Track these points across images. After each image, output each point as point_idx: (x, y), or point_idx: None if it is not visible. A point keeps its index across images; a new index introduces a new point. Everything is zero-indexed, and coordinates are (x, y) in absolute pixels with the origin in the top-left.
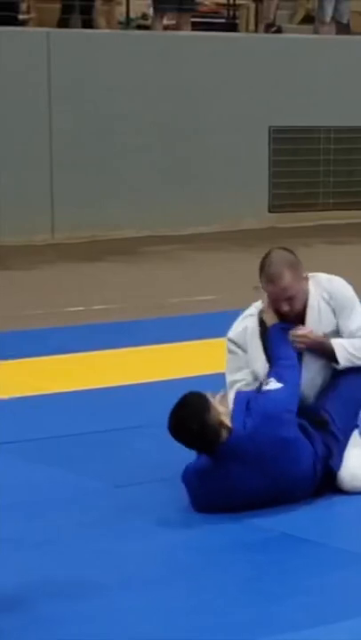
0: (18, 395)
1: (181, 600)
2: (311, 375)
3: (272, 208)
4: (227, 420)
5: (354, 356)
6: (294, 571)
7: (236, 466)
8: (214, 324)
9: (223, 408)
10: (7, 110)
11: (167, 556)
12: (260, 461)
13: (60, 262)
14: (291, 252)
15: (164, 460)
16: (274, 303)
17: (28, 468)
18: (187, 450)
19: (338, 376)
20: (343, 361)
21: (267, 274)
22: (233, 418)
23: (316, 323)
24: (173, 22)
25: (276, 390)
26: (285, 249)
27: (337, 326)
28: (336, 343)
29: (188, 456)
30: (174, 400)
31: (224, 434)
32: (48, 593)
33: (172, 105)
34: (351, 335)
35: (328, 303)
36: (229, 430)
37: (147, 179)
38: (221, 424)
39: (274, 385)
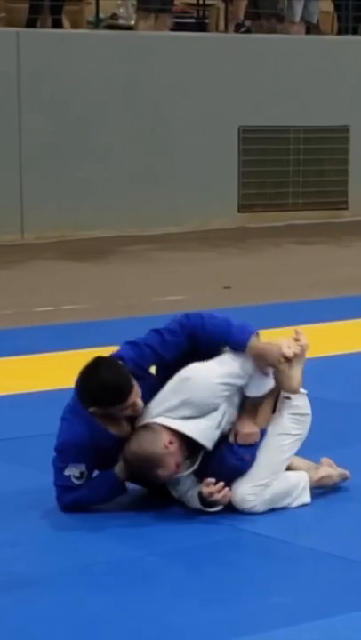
0: None
1: (149, 600)
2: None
3: (242, 208)
4: None
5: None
6: (264, 571)
7: None
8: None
9: None
10: None
11: (135, 555)
12: None
13: (30, 262)
14: None
15: None
16: None
17: None
18: None
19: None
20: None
21: None
22: None
23: None
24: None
25: None
26: None
27: None
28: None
29: None
30: None
31: None
32: (14, 589)
33: (142, 105)
34: None
35: None
36: None
37: (117, 179)
38: None
39: None
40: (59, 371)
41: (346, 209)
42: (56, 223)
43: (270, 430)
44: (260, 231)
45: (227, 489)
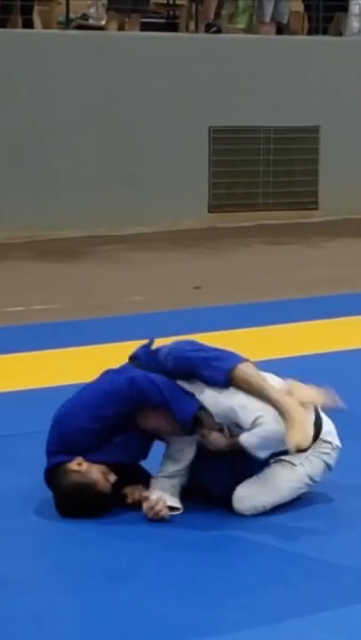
0: None
1: (119, 601)
2: None
3: (212, 208)
4: None
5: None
6: (234, 571)
7: None
8: (155, 324)
9: None
10: None
11: (104, 557)
12: None
13: (1, 262)
14: None
15: None
16: None
17: None
18: None
19: None
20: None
21: None
22: None
23: None
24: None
25: None
26: None
27: None
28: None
29: None
30: None
31: None
32: None
33: (113, 105)
34: None
35: None
36: None
37: (87, 178)
38: None
39: None
40: (29, 371)
41: (316, 209)
42: (27, 223)
43: (303, 469)
44: (231, 231)
45: (163, 507)
